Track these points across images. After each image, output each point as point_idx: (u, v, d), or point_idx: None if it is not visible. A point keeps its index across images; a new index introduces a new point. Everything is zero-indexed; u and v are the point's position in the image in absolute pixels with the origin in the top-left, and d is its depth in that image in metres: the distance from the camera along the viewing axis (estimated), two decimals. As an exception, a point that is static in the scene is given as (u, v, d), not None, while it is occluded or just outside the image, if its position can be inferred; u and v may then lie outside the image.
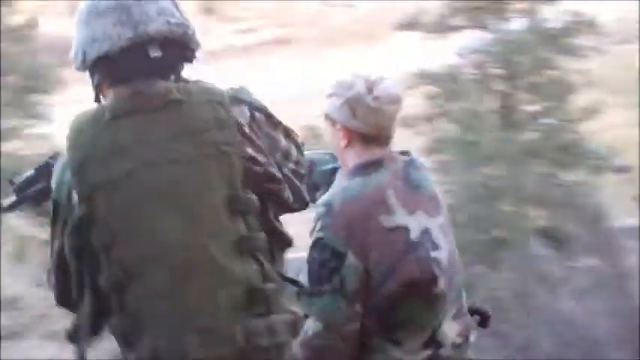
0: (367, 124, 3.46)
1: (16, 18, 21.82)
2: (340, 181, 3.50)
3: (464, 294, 3.62)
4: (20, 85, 21.20)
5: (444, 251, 3.46)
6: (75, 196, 2.58)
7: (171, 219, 2.56)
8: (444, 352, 3.47)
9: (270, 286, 2.69)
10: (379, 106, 3.45)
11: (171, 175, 2.56)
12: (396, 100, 3.50)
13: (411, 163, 3.53)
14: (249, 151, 2.66)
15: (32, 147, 20.69)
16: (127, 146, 2.55)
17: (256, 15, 72.27)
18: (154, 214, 2.56)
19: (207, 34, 70.53)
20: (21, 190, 3.02)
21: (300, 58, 59.27)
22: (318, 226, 3.35)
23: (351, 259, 3.30)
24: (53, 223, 2.68)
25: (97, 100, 2.72)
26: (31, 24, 22.08)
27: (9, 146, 20.73)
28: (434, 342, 3.45)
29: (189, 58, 2.74)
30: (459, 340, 3.53)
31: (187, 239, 2.57)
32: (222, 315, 2.60)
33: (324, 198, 3.43)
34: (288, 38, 68.31)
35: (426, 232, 3.42)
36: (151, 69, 2.63)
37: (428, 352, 3.44)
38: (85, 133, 2.59)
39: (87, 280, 2.63)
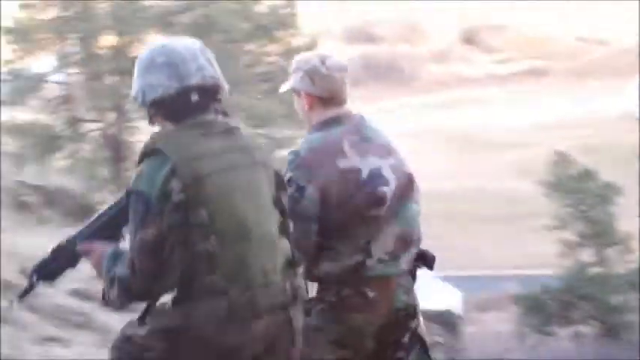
0: (323, 88, 4.04)
1: (299, 40, 22.53)
2: (306, 137, 4.10)
3: (415, 224, 4.09)
4: (298, 100, 21.83)
5: (392, 184, 3.98)
6: (174, 186, 3.22)
7: (247, 205, 3.32)
8: (370, 262, 3.97)
9: (296, 257, 3.52)
10: (331, 74, 4.03)
11: (242, 175, 3.35)
12: (343, 69, 4.09)
13: (363, 122, 4.10)
14: (277, 168, 3.52)
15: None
16: (214, 154, 3.31)
17: (514, 46, 71.42)
18: (237, 202, 3.30)
19: (467, 62, 70.25)
20: (37, 271, 3.50)
21: (554, 90, 58.21)
22: (288, 169, 3.91)
23: (310, 190, 3.89)
24: (145, 214, 3.23)
25: (151, 123, 3.47)
26: (311, 46, 22.72)
27: (284, 153, 21.38)
28: (364, 250, 3.96)
29: (218, 100, 3.45)
30: (386, 258, 3.99)
31: (258, 220, 3.35)
32: (278, 274, 3.38)
33: (293, 149, 4.06)
34: (543, 70, 67.18)
35: (376, 170, 3.96)
36: (191, 109, 3.37)
37: (358, 258, 3.95)
38: (180, 142, 3.30)
39: (178, 253, 3.24)
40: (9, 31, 21.44)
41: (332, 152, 3.94)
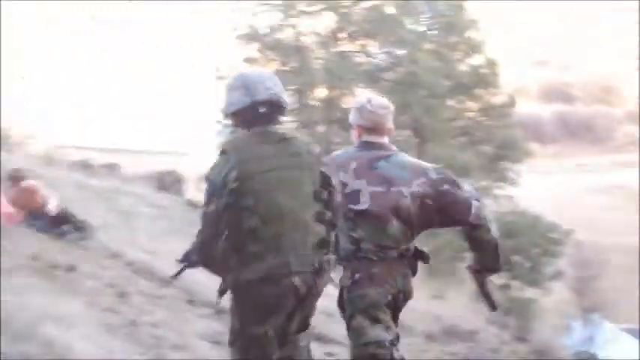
0: (367, 120, 4.85)
1: (498, 98, 22.32)
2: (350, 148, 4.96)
3: (395, 238, 4.75)
4: (493, 153, 21.61)
5: (364, 205, 4.75)
6: (231, 177, 4.06)
7: (287, 197, 4.14)
8: (362, 251, 4.74)
9: (332, 238, 4.30)
10: (375, 110, 4.85)
11: (287, 175, 4.17)
12: (385, 107, 4.88)
13: (386, 157, 4.85)
14: (323, 169, 4.31)
15: (499, 205, 21.02)
16: (267, 157, 4.15)
17: None
18: (277, 193, 4.13)
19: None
20: (184, 259, 4.34)
21: None
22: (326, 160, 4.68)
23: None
24: (211, 195, 4.10)
25: (234, 129, 4.38)
26: (510, 103, 22.48)
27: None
28: (354, 243, 4.74)
29: (283, 113, 4.29)
30: (375, 249, 4.73)
31: (294, 208, 4.15)
32: (308, 250, 4.17)
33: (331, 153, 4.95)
34: None
35: (356, 191, 4.75)
36: (260, 119, 4.21)
37: (351, 247, 4.74)
38: (241, 147, 4.16)
39: (230, 225, 4.08)
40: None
41: (341, 166, 4.79)
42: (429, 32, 22.35)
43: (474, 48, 21.99)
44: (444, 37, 22.05)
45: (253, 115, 4.20)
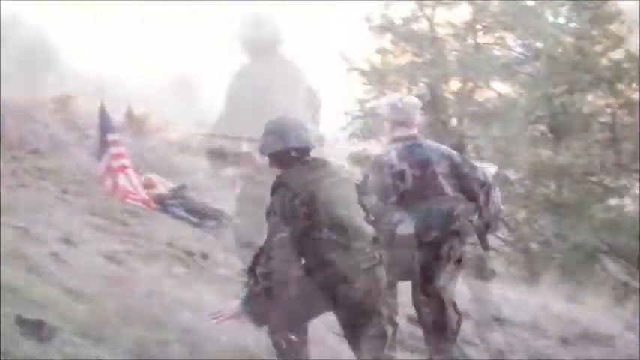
0: (398, 115, 5.83)
1: (638, 93, 21.60)
2: (384, 149, 5.92)
3: (430, 217, 5.63)
4: (633, 151, 20.96)
5: (408, 185, 5.67)
6: (297, 203, 4.77)
7: (343, 208, 4.86)
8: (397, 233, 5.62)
9: (379, 237, 5.01)
10: (404, 107, 5.85)
11: (338, 191, 4.91)
12: (414, 104, 5.92)
13: (417, 144, 5.82)
14: (356, 180, 5.15)
15: (637, 205, 20.41)
16: (318, 181, 4.87)
17: None
18: (337, 207, 4.84)
19: None
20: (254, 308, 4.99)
21: None
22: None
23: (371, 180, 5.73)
24: (279, 224, 4.79)
25: (270, 167, 5.15)
26: (650, 99, 21.67)
27: (615, 202, 20.65)
28: (394, 224, 5.65)
29: (308, 154, 5.02)
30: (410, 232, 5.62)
31: (351, 217, 4.87)
32: (367, 248, 4.85)
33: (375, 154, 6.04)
34: None
35: (402, 172, 5.69)
36: (291, 160, 4.98)
37: (391, 227, 5.58)
38: (296, 177, 4.89)
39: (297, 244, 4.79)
40: (364, 73, 22.34)
41: (385, 160, 5.75)
42: (569, 25, 21.81)
43: (616, 41, 21.34)
44: (585, 30, 21.48)
45: (286, 157, 5.04)
